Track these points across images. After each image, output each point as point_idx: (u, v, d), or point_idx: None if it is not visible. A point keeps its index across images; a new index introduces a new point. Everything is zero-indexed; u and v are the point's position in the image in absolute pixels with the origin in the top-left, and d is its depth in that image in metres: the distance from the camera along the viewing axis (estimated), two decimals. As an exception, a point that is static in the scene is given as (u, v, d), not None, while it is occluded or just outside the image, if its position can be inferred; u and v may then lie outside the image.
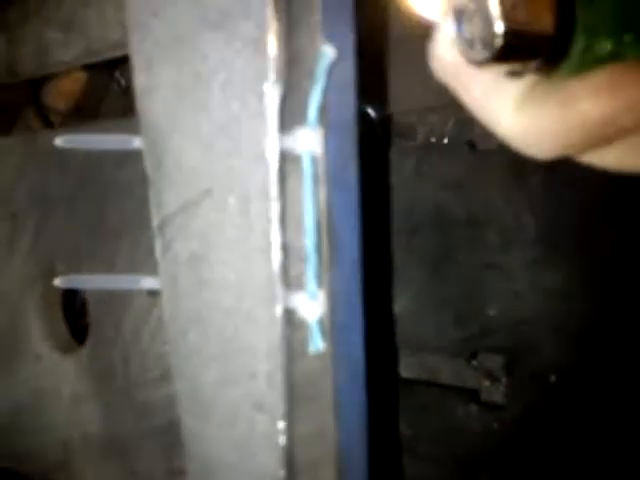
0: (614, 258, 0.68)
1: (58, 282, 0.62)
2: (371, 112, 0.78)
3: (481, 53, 0.28)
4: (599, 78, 0.28)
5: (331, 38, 0.44)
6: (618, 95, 0.28)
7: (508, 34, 0.26)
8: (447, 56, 0.31)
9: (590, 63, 0.28)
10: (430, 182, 0.79)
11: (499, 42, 0.27)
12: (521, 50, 0.28)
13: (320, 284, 0.47)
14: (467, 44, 0.28)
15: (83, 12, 0.59)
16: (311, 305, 0.47)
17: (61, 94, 1.08)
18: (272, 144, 0.45)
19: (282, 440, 0.50)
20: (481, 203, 0.76)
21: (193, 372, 0.54)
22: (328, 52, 0.43)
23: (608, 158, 0.32)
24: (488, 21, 0.27)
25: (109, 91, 1.01)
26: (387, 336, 0.84)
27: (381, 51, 0.77)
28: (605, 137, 0.29)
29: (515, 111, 0.30)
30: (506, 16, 0.26)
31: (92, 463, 0.76)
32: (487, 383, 0.77)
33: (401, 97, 0.80)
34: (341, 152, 0.47)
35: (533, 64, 0.28)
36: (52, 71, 0.64)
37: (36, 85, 1.05)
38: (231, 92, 0.47)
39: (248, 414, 0.51)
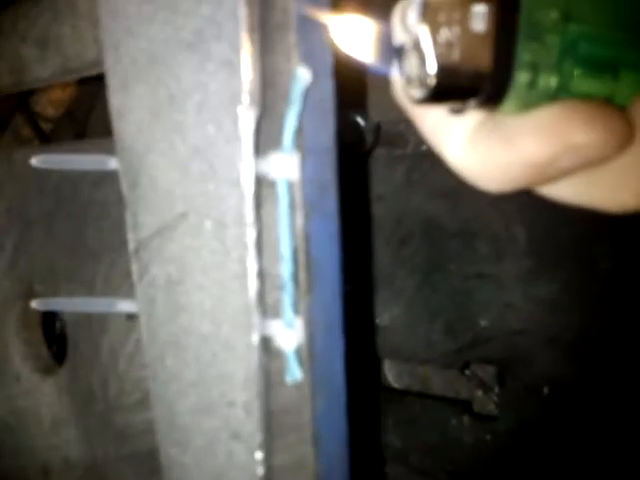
0: (606, 269, 0.68)
1: (35, 305, 0.60)
2: (360, 121, 0.77)
3: (418, 92, 0.27)
4: (540, 118, 0.28)
5: (307, 59, 0.43)
6: (558, 137, 0.27)
7: (441, 74, 0.26)
8: (400, 92, 0.32)
9: (535, 99, 0.28)
10: (421, 191, 0.79)
11: (433, 82, 0.26)
12: (458, 89, 0.27)
13: (297, 312, 0.45)
14: (407, 82, 0.28)
15: (57, 29, 0.58)
16: (288, 334, 0.46)
17: (51, 102, 1.08)
18: (247, 169, 0.44)
19: (260, 471, 0.49)
20: (472, 213, 0.76)
21: (171, 398, 0.53)
22: (303, 74, 0.42)
23: (562, 194, 0.32)
24: (422, 60, 0.26)
25: (99, 98, 1.00)
26: (370, 352, 0.83)
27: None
28: (548, 176, 0.29)
29: (462, 147, 0.30)
30: (440, 55, 0.26)
31: (72, 486, 0.74)
32: (480, 394, 0.77)
33: (391, 106, 0.79)
34: (319, 178, 0.46)
35: (473, 102, 0.28)
36: (30, 87, 0.63)
37: (26, 93, 1.05)
38: (206, 114, 0.45)
39: (226, 443, 0.50)
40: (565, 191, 0.31)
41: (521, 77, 0.27)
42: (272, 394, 0.48)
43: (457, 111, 0.29)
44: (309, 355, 0.46)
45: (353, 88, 0.77)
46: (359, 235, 0.82)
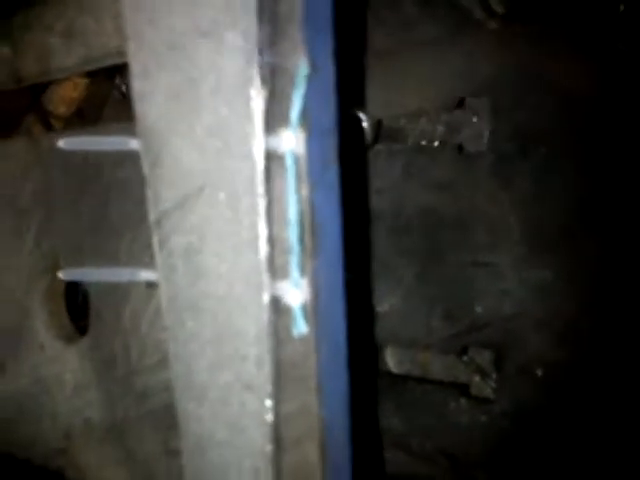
0: (599, 256, 0.70)
1: (62, 275, 0.65)
2: (361, 116, 0.80)
3: None
4: None
5: (312, 49, 0.48)
6: None
7: None
8: None
9: None
10: (419, 184, 0.81)
11: None
12: None
13: (303, 273, 0.50)
14: None
15: (82, 20, 0.62)
16: (295, 292, 0.51)
17: (62, 100, 1.10)
18: (258, 144, 0.49)
19: (269, 417, 0.54)
20: (469, 204, 0.77)
21: (189, 357, 0.58)
22: (307, 60, 0.47)
23: None
24: None
25: (110, 97, 1.03)
26: (369, 325, 0.85)
27: (362, 60, 0.79)
28: None
29: None
30: None
31: (92, 448, 0.79)
32: (477, 378, 0.79)
33: (392, 102, 0.82)
34: (322, 154, 0.51)
35: None
36: (54, 77, 0.67)
37: (38, 91, 1.08)
38: (220, 96, 0.50)
39: (239, 394, 0.55)
40: None
41: None
42: (281, 348, 0.53)
43: None
44: (313, 311, 0.51)
45: (355, 85, 0.80)
46: (360, 226, 0.85)
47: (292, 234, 0.49)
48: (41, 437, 0.85)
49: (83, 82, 1.08)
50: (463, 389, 0.80)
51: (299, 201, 0.49)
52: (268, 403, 0.54)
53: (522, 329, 0.75)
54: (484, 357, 0.78)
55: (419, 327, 0.82)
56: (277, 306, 0.52)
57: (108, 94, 1.04)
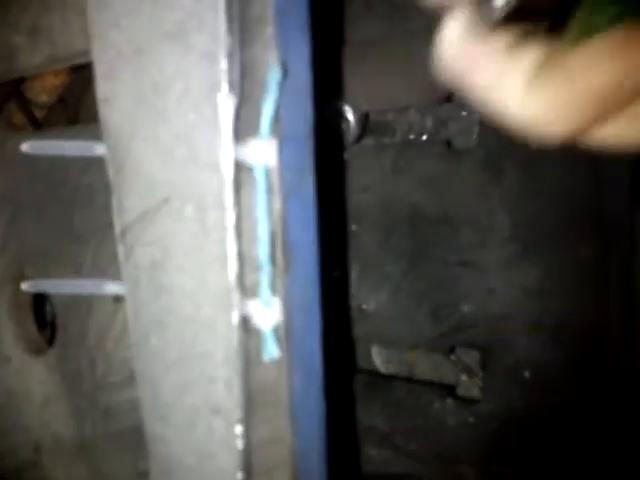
0: (587, 256, 0.69)
1: (25, 286, 0.62)
2: (347, 110, 0.78)
3: (498, 10, 0.28)
4: (599, 45, 0.28)
5: (285, 50, 0.45)
6: (621, 59, 0.28)
7: None
8: (456, 45, 0.32)
9: (595, 29, 0.28)
10: (407, 179, 0.79)
11: None
12: (534, 8, 0.28)
13: (274, 292, 0.47)
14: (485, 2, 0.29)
15: (47, 19, 0.59)
16: (266, 313, 0.48)
17: (44, 88, 1.08)
18: (226, 154, 0.46)
19: (240, 444, 0.51)
20: (457, 201, 0.76)
21: (155, 376, 0.55)
22: (279, 64, 0.44)
23: (611, 133, 0.31)
24: None
25: (91, 84, 1.01)
26: (346, 329, 0.84)
27: (338, 55, 0.77)
28: (613, 106, 0.29)
29: (525, 91, 0.30)
30: None
31: (62, 463, 0.76)
32: (464, 378, 0.78)
33: (380, 95, 0.80)
34: (296, 163, 0.47)
35: (541, 24, 0.29)
36: (20, 75, 0.65)
37: (19, 79, 1.05)
38: (187, 102, 0.47)
39: (207, 418, 0.52)
40: (614, 130, 0.31)
41: (580, 10, 0.28)
42: (251, 371, 0.50)
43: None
44: (286, 334, 0.48)
45: (340, 77, 0.78)
46: (343, 222, 0.83)
47: (262, 251, 0.46)
48: (11, 450, 0.83)
49: (64, 69, 1.05)
50: (449, 389, 0.79)
51: (270, 216, 0.46)
52: (238, 429, 0.51)
53: (510, 330, 0.74)
54: (471, 357, 0.77)
55: (406, 326, 0.81)
56: (247, 326, 0.49)
57: (89, 82, 1.01)
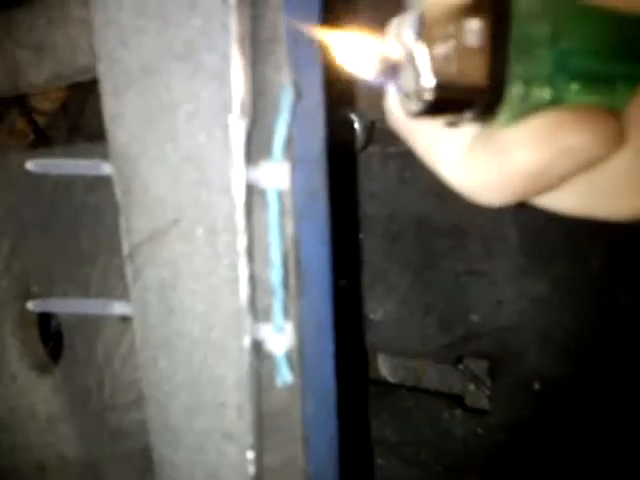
0: (597, 266, 0.68)
1: (31, 306, 0.61)
2: (354, 119, 0.78)
3: (415, 105, 0.28)
4: (532, 126, 0.28)
5: (297, 71, 0.44)
6: (551, 141, 0.28)
7: (438, 88, 0.27)
8: (395, 108, 0.32)
9: (528, 110, 0.28)
10: (413, 189, 0.79)
11: (430, 96, 0.27)
12: (454, 102, 0.28)
13: (287, 316, 0.46)
14: (404, 97, 0.29)
15: (52, 35, 0.58)
16: (278, 338, 0.47)
17: (46, 95, 1.08)
18: (238, 177, 0.45)
19: (251, 470, 0.50)
20: (464, 211, 0.76)
21: (163, 399, 0.54)
22: (292, 85, 0.43)
23: (564, 204, 0.32)
24: (419, 75, 0.27)
25: (94, 91, 1.00)
26: (357, 338, 0.84)
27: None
28: (546, 184, 0.29)
29: (458, 163, 0.31)
30: (436, 70, 0.27)
31: (68, 484, 0.75)
32: (472, 388, 0.77)
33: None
34: (309, 185, 0.47)
35: (468, 115, 0.28)
36: (25, 92, 0.64)
37: (22, 88, 1.05)
38: (197, 123, 0.46)
39: (217, 443, 0.51)
40: (566, 202, 0.32)
41: (514, 90, 0.28)
42: (263, 396, 0.49)
43: (452, 124, 0.30)
44: (299, 358, 0.47)
45: (346, 85, 0.78)
46: (351, 232, 0.83)
47: (275, 275, 0.45)
48: (15, 469, 0.82)
49: (68, 77, 1.04)
50: (458, 399, 0.79)
51: (282, 239, 0.45)
52: (250, 455, 0.50)
53: (519, 340, 0.74)
54: (479, 367, 0.77)
55: (413, 335, 0.81)
56: (259, 351, 0.48)
57: (93, 89, 1.00)
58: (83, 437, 0.71)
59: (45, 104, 1.07)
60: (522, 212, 0.72)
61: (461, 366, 0.78)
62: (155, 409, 0.55)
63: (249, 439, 0.50)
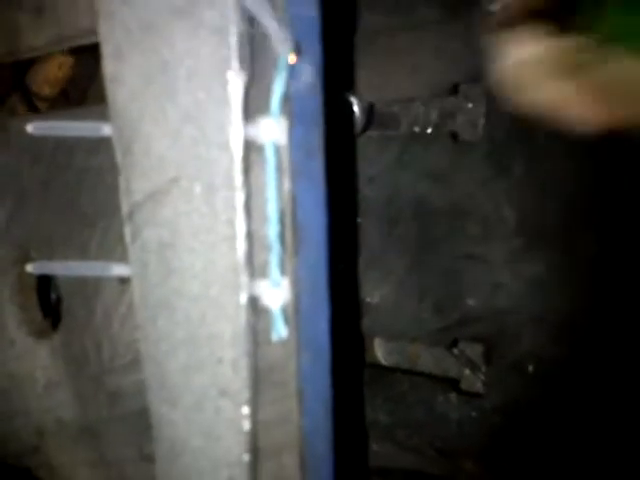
0: (593, 250, 0.69)
1: (30, 268, 0.62)
2: (353, 101, 0.78)
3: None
4: None
5: (296, 29, 0.45)
6: None
7: None
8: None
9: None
10: (412, 172, 0.79)
11: None
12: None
13: (283, 272, 0.47)
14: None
15: (53, -2, 0.59)
16: (274, 293, 0.47)
17: (47, 80, 1.08)
18: (236, 133, 0.45)
19: (246, 425, 0.51)
20: (462, 194, 0.76)
21: (162, 358, 0.55)
22: (291, 43, 0.44)
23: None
24: None
25: (95, 76, 1.00)
26: (354, 322, 0.84)
27: (353, 41, 0.77)
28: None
29: (550, 82, 0.31)
30: None
31: (65, 448, 0.76)
32: (467, 372, 0.78)
33: (385, 87, 0.80)
34: (306, 142, 0.47)
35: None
36: (24, 56, 0.64)
37: (22, 71, 1.05)
38: (197, 80, 0.47)
39: (214, 400, 0.52)
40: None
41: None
42: (259, 351, 0.50)
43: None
44: (295, 313, 0.48)
45: (346, 68, 0.78)
46: (349, 216, 0.83)
47: (272, 231, 0.46)
48: (13, 435, 0.82)
49: (68, 61, 1.05)
50: (453, 383, 0.80)
51: (280, 195, 0.46)
52: (245, 410, 0.50)
53: (514, 324, 0.75)
54: (475, 350, 0.78)
55: (409, 319, 0.82)
56: (255, 307, 0.49)
57: (94, 73, 1.01)
58: (81, 400, 0.72)
59: (45, 88, 1.07)
60: (519, 195, 0.73)
61: (456, 350, 0.79)
62: (153, 368, 0.56)
63: (245, 395, 0.50)
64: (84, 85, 1.06)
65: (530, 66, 0.34)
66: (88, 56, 0.99)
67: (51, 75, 1.07)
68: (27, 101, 1.06)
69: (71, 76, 1.08)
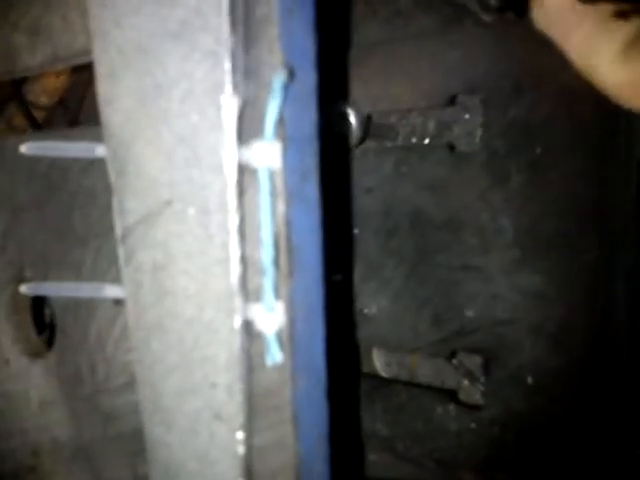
0: (590, 261, 0.69)
1: (24, 289, 0.62)
2: (350, 113, 0.78)
3: None
4: None
5: (290, 51, 0.44)
6: None
7: None
8: (553, 2, 0.32)
9: None
10: (409, 183, 0.79)
11: None
12: None
13: (278, 296, 0.47)
14: None
15: (48, 18, 0.59)
16: (269, 317, 0.47)
17: (44, 90, 1.08)
18: (230, 156, 0.45)
19: (241, 450, 0.50)
20: (460, 205, 0.76)
21: (155, 380, 0.55)
22: (285, 66, 0.43)
23: None
24: None
25: (92, 86, 1.00)
26: (351, 333, 0.84)
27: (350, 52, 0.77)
28: None
29: (614, 61, 0.31)
30: None
31: (61, 467, 0.75)
32: (466, 383, 0.78)
33: (382, 98, 0.80)
34: (301, 165, 0.47)
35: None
36: (20, 75, 0.64)
37: (19, 81, 1.05)
38: (191, 103, 0.47)
39: (208, 423, 0.52)
40: None
41: None
42: (253, 376, 0.49)
43: (624, 15, 0.30)
44: (290, 338, 0.48)
45: (343, 79, 0.78)
46: (346, 227, 0.83)
47: (266, 255, 0.46)
48: (10, 453, 0.82)
49: (65, 71, 1.05)
50: (451, 394, 0.79)
51: (274, 219, 0.46)
52: (239, 435, 0.50)
53: (513, 335, 0.74)
54: (473, 362, 0.77)
55: (407, 330, 0.81)
56: (250, 331, 0.48)
57: (90, 83, 1.01)
58: (76, 420, 0.71)
59: (42, 98, 1.07)
60: (517, 205, 0.73)
61: (455, 361, 0.78)
62: (147, 391, 0.56)
63: (239, 419, 0.50)
64: (81, 95, 1.06)
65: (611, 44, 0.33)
66: (85, 66, 0.99)
67: (48, 85, 1.07)
68: (24, 111, 1.06)
69: (68, 86, 1.08)
